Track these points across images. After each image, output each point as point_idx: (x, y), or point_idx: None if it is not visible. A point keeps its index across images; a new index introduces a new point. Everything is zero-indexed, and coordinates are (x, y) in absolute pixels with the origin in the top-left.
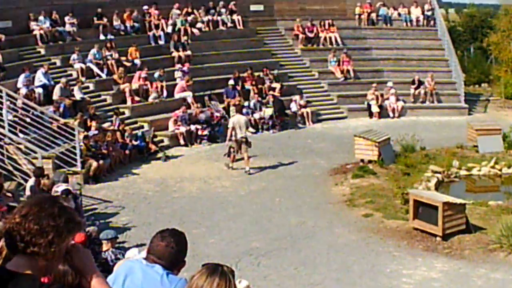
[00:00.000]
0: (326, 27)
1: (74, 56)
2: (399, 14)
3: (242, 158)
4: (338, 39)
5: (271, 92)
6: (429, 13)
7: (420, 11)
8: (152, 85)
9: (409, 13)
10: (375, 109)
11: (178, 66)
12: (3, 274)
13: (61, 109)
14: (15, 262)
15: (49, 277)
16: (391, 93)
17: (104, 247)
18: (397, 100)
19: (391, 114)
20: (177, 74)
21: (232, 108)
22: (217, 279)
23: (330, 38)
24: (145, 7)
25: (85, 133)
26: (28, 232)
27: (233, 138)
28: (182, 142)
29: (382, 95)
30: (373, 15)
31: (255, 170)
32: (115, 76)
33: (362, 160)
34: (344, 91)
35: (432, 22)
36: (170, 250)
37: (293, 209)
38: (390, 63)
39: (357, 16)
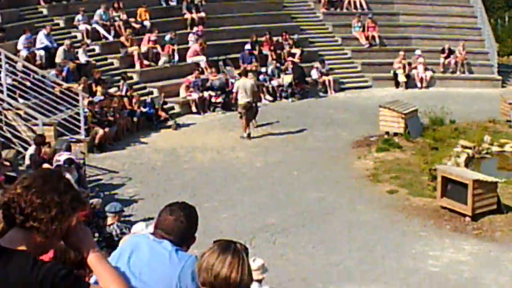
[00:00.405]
0: None
1: (79, 16)
2: None
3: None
4: (363, 3)
5: (290, 58)
6: None
7: None
8: (163, 48)
9: None
10: (402, 78)
11: (191, 29)
12: None
13: (64, 73)
14: (10, 237)
15: (49, 254)
16: (419, 62)
17: (109, 221)
18: (426, 69)
19: (419, 84)
20: (190, 37)
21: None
22: (230, 257)
23: (354, 1)
24: None
25: (90, 98)
26: (29, 205)
27: (238, 102)
28: (194, 109)
29: (409, 64)
30: None
31: (272, 141)
32: (122, 39)
33: (387, 133)
34: (368, 58)
35: None
36: (180, 225)
37: (312, 184)
38: (419, 30)
39: None
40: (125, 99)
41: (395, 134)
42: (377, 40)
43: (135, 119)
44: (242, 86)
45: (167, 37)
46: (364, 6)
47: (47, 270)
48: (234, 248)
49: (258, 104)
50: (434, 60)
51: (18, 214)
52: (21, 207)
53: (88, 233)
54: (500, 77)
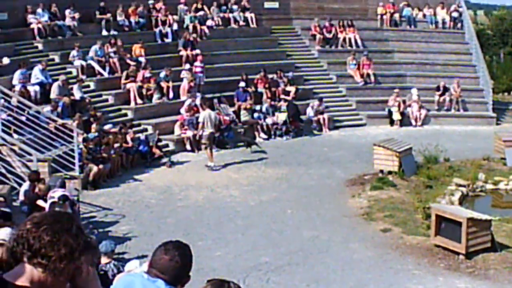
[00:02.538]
0: (346, 27)
1: (74, 52)
2: (424, 15)
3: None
4: (358, 41)
5: (285, 96)
6: (456, 14)
7: (446, 12)
8: (158, 85)
9: (434, 14)
10: (396, 116)
11: (187, 66)
12: None
13: (59, 109)
14: (15, 273)
15: None
16: (414, 100)
17: (105, 260)
18: (420, 107)
19: (413, 122)
20: (183, 74)
21: (242, 112)
22: None
23: (349, 39)
24: (151, 1)
25: (85, 135)
26: (38, 241)
27: (204, 133)
28: (188, 147)
29: (404, 102)
30: (396, 16)
31: (267, 179)
32: (123, 74)
33: (381, 171)
34: (363, 96)
35: (459, 25)
36: (174, 264)
37: (306, 222)
38: (414, 68)
39: (379, 17)
40: (120, 136)
41: (389, 172)
42: (372, 78)
43: (129, 156)
44: (208, 118)
45: (162, 74)
46: (359, 43)
47: None
48: (228, 287)
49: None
50: (429, 97)
51: (26, 250)
52: (30, 243)
53: (96, 278)
54: (494, 115)
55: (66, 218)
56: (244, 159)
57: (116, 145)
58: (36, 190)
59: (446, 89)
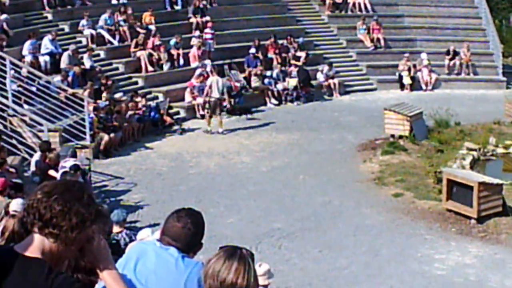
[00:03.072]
0: None
1: (84, 21)
2: None
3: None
4: (368, 5)
5: (295, 62)
6: None
7: None
8: (168, 53)
9: None
10: (407, 80)
11: (197, 33)
12: (9, 256)
13: (69, 79)
14: (27, 244)
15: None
16: (424, 64)
17: (117, 229)
18: (431, 71)
19: (424, 87)
20: (193, 41)
21: (253, 78)
22: (236, 263)
23: (359, 4)
24: None
25: (95, 104)
26: (49, 210)
27: (208, 98)
28: (199, 114)
29: (414, 66)
30: None
31: (278, 145)
32: (132, 42)
33: (392, 136)
34: (374, 61)
35: None
36: (187, 232)
37: (318, 187)
38: (424, 32)
39: None
40: (131, 104)
41: (400, 137)
42: (382, 43)
43: (140, 124)
44: (215, 83)
45: (172, 41)
46: (369, 8)
47: (62, 280)
48: (240, 254)
49: (263, 107)
50: (439, 62)
51: (36, 220)
52: (40, 212)
53: (106, 248)
54: (504, 79)
55: (77, 187)
56: (256, 124)
57: (129, 113)
58: (47, 160)
59: (456, 53)
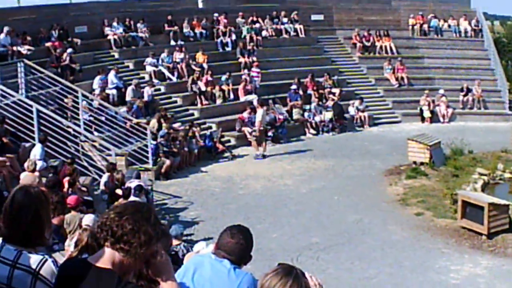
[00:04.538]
0: (382, 36)
1: (148, 59)
2: (449, 26)
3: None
4: (393, 48)
5: (331, 96)
6: (476, 25)
7: (468, 23)
8: (219, 88)
9: (458, 25)
10: (427, 114)
11: (245, 71)
12: (84, 267)
13: (133, 110)
14: (98, 256)
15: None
16: (441, 100)
17: (175, 242)
18: (447, 106)
19: (441, 119)
20: (242, 78)
21: (294, 111)
22: (291, 281)
23: (385, 47)
24: (216, 14)
25: (157, 132)
26: (121, 229)
27: (258, 128)
28: (248, 141)
29: (433, 101)
30: (425, 26)
31: (316, 170)
32: (189, 79)
33: (414, 162)
34: (398, 97)
35: (479, 34)
36: (240, 247)
37: (350, 207)
38: (441, 71)
39: (410, 27)
40: (188, 133)
41: (422, 163)
42: (405, 81)
43: (196, 150)
44: (261, 115)
45: (223, 78)
46: (394, 50)
47: None
48: (296, 273)
49: (303, 137)
50: (454, 97)
51: (109, 236)
52: (113, 230)
53: (168, 263)
54: (511, 112)
55: (146, 208)
56: (296, 151)
57: (187, 140)
58: (114, 180)
59: (469, 90)
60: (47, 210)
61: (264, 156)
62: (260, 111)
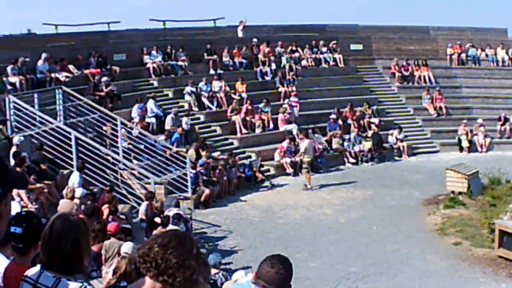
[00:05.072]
0: (420, 66)
1: (187, 88)
2: (487, 55)
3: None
4: (431, 78)
5: (372, 126)
6: None
7: (505, 52)
8: (259, 117)
9: (495, 54)
10: (465, 144)
11: (284, 100)
12: None
13: (173, 138)
14: (138, 285)
15: None
16: (479, 129)
17: (213, 271)
18: (485, 135)
19: (479, 149)
20: (281, 108)
21: (334, 141)
22: None
23: (424, 76)
24: (255, 39)
25: (196, 161)
26: (165, 262)
27: (304, 158)
28: (287, 171)
29: (471, 131)
30: (463, 56)
31: (355, 199)
32: (228, 108)
33: (453, 192)
34: (436, 126)
35: None
36: (280, 277)
37: (388, 237)
38: (479, 101)
39: (448, 56)
40: (228, 162)
41: (460, 193)
42: (444, 110)
43: (235, 180)
44: (308, 146)
45: (261, 105)
46: (432, 80)
47: None
48: None
49: (342, 166)
50: (492, 127)
51: (153, 268)
52: (157, 263)
53: None
54: None
55: (189, 240)
56: (336, 182)
57: (226, 169)
58: (153, 208)
59: (506, 120)
60: (87, 238)
61: (311, 188)
62: (305, 142)
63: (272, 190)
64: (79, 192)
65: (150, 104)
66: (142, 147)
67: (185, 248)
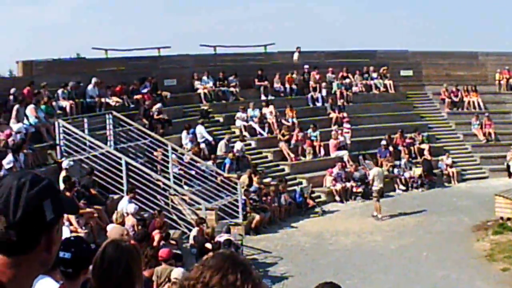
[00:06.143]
0: (470, 92)
1: (238, 114)
2: None
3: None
4: (481, 103)
5: (422, 152)
6: None
7: None
8: (309, 143)
9: None
10: None
11: (335, 126)
12: None
13: (225, 164)
14: None
15: None
16: None
17: None
18: None
19: None
20: (334, 134)
21: (384, 166)
22: None
23: (473, 102)
24: (306, 66)
25: (248, 187)
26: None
27: (373, 188)
28: (337, 198)
29: None
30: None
31: (405, 226)
32: (279, 134)
33: (501, 218)
34: (486, 152)
35: None
36: None
37: (438, 263)
38: None
39: (497, 82)
40: (279, 188)
41: (509, 218)
42: (493, 136)
43: (286, 206)
44: (377, 174)
45: (309, 131)
46: (482, 106)
47: None
48: None
49: (393, 193)
50: None
51: None
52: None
53: None
54: None
55: (231, 265)
56: (386, 208)
57: (277, 195)
58: (204, 234)
59: None
60: (139, 265)
61: (381, 218)
62: (374, 170)
63: (323, 216)
64: (131, 208)
65: (200, 129)
66: (193, 172)
67: (228, 280)
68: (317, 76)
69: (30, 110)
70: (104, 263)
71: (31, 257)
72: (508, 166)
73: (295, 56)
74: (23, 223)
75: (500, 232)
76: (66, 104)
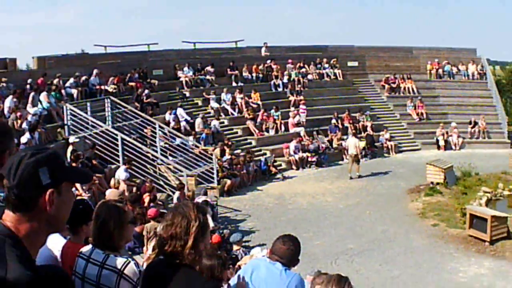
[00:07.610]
0: (405, 79)
1: (211, 97)
2: (459, 70)
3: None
4: (414, 89)
5: (365, 128)
6: (481, 69)
7: (474, 68)
8: (273, 120)
9: (466, 69)
10: (441, 143)
11: (293, 108)
12: (163, 265)
13: (201, 138)
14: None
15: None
16: (454, 131)
17: (235, 247)
18: (458, 136)
19: (453, 147)
20: (291, 113)
21: (334, 141)
22: None
23: (408, 88)
24: (269, 61)
25: (221, 157)
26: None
27: (348, 153)
28: (295, 166)
29: (447, 132)
30: (440, 71)
31: (351, 189)
32: (246, 114)
33: (432, 182)
34: (418, 129)
35: (483, 77)
36: (290, 252)
37: (379, 219)
38: (453, 108)
39: (428, 71)
40: (247, 158)
41: (437, 183)
42: (424, 116)
43: (253, 172)
44: (352, 143)
45: (272, 111)
46: (415, 91)
47: (208, 285)
48: (346, 281)
49: (341, 162)
50: (464, 129)
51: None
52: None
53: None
54: (509, 141)
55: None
56: (335, 175)
57: (245, 164)
58: (186, 196)
59: (475, 123)
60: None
61: (359, 176)
62: (352, 139)
63: (283, 181)
64: (123, 175)
65: (180, 111)
66: (175, 145)
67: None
68: (278, 67)
69: (43, 96)
70: (99, 219)
71: (35, 217)
72: (437, 140)
73: (263, 50)
74: (19, 185)
75: (430, 194)
76: (74, 91)
